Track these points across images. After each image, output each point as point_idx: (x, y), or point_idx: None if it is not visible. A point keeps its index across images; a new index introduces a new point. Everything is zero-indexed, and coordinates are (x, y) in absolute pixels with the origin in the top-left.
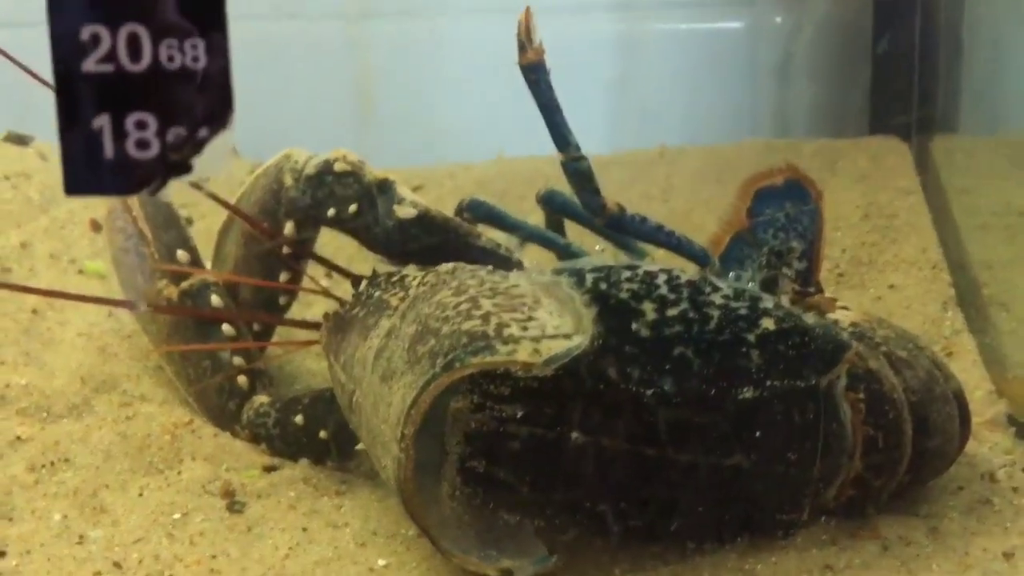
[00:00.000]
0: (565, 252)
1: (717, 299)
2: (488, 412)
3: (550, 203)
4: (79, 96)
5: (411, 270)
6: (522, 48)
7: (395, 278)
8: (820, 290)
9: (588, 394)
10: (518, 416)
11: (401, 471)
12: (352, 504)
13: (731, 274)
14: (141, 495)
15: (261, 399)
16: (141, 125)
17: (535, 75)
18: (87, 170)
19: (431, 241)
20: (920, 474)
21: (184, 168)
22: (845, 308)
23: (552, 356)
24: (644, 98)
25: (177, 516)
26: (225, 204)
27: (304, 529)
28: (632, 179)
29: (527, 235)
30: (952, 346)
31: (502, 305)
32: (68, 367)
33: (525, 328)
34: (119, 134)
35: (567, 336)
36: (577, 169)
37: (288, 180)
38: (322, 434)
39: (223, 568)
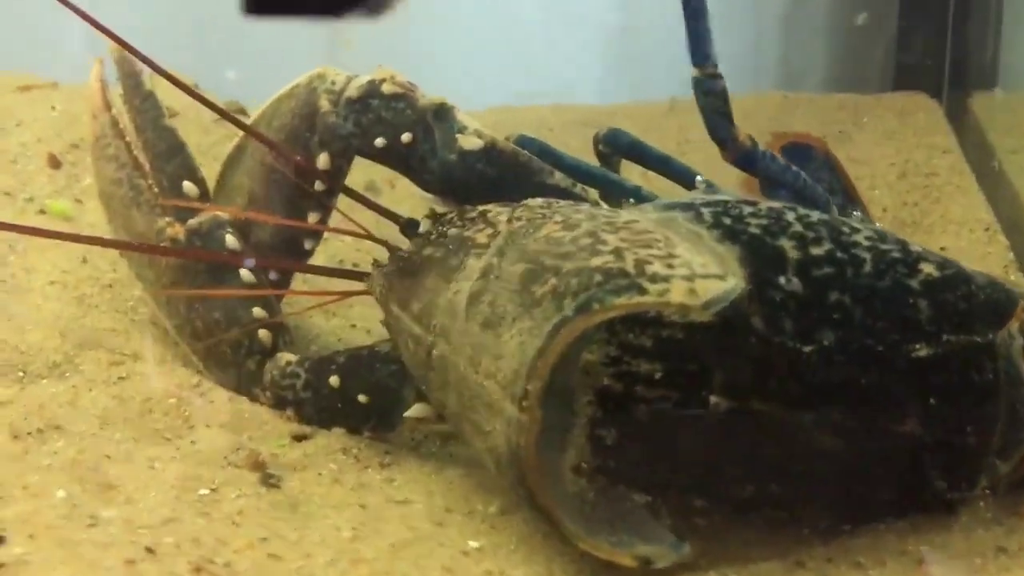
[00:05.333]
0: (636, 197)
1: (861, 239)
2: (625, 367)
3: (615, 143)
4: None
5: (492, 207)
6: None
7: (471, 214)
8: None
9: (732, 349)
10: (658, 374)
11: (522, 435)
12: (405, 478)
13: None
14: (152, 468)
15: (287, 357)
16: None
17: None
18: None
19: (497, 176)
20: None
21: None
22: None
23: (711, 298)
24: (650, 47)
25: (204, 492)
26: (248, 129)
27: (362, 506)
28: (643, 131)
29: (588, 176)
30: None
31: (631, 240)
32: (43, 320)
33: (670, 266)
34: None
35: (720, 277)
36: (713, 88)
37: (324, 104)
38: (361, 398)
39: (283, 553)
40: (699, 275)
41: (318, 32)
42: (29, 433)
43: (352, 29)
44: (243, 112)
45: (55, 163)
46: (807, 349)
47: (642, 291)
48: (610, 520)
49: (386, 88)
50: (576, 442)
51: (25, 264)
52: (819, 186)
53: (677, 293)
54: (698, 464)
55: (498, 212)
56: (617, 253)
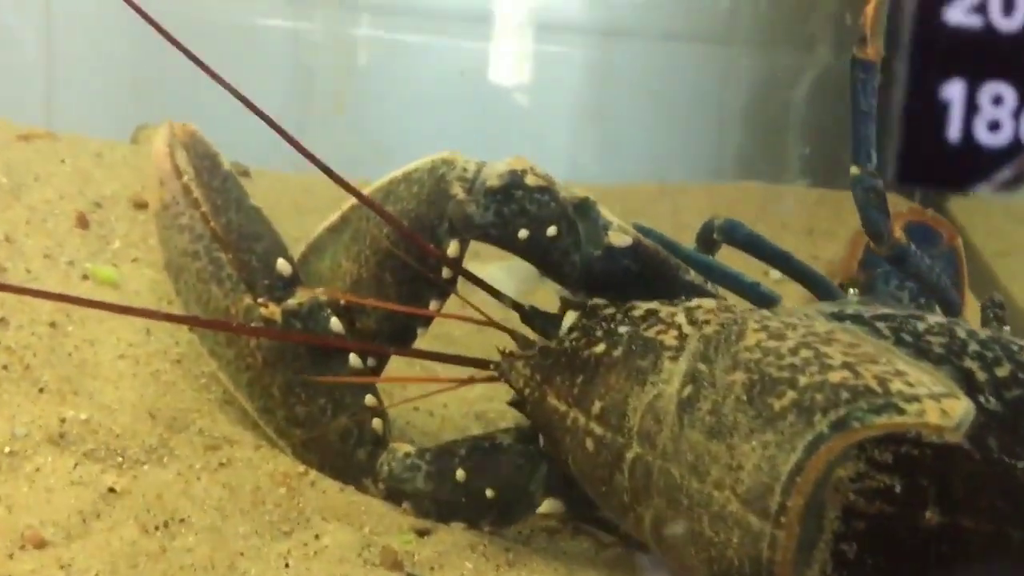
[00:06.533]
0: (754, 292)
1: None
2: (869, 482)
3: (731, 235)
4: (933, 55)
5: (656, 305)
6: (862, 41)
7: (637, 312)
8: None
9: (944, 466)
10: (897, 489)
11: (778, 551)
12: None
13: None
14: (287, 566)
15: (405, 448)
16: (997, 100)
17: (865, 74)
18: (929, 151)
19: (639, 272)
20: None
21: None
22: None
23: (961, 418)
24: (622, 129)
25: None
26: (385, 215)
27: None
28: (634, 213)
29: (706, 268)
30: None
31: (854, 355)
32: (127, 400)
33: (910, 384)
34: (970, 108)
35: (957, 396)
36: (873, 186)
37: (457, 191)
38: (488, 493)
39: None
40: (940, 394)
41: (314, 94)
42: (157, 527)
43: (346, 94)
44: (246, 174)
45: (84, 223)
46: (1019, 467)
47: (900, 411)
48: None
49: (530, 180)
50: (819, 556)
51: (86, 335)
52: (952, 290)
53: (933, 414)
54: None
55: (670, 312)
56: (851, 368)
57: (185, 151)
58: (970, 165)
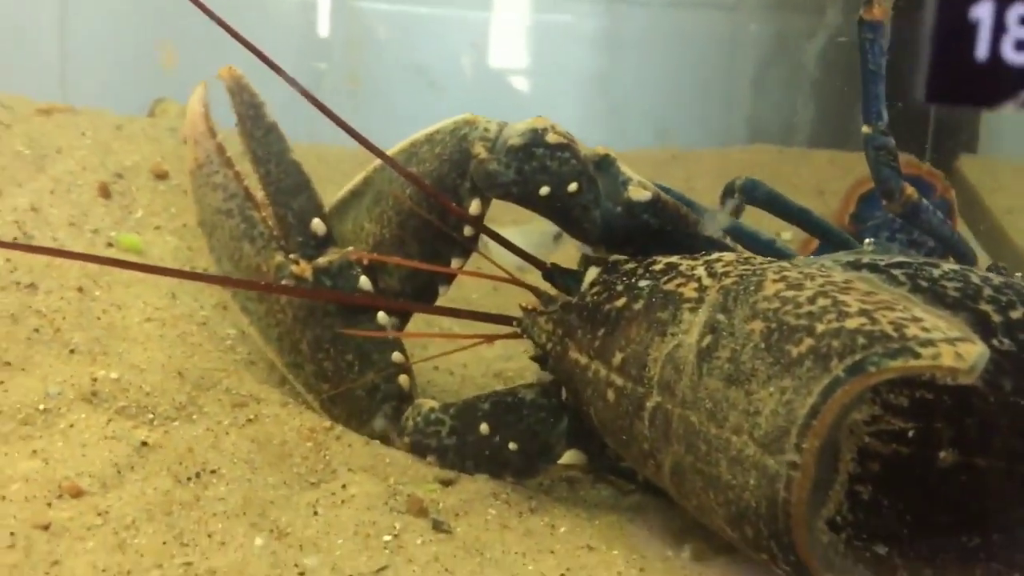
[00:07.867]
0: (771, 249)
1: None
2: (884, 425)
3: (752, 193)
4: None
5: (676, 259)
6: (869, 2)
7: (657, 266)
8: None
9: (959, 408)
10: (911, 432)
11: (794, 491)
12: (567, 524)
13: None
14: (316, 513)
15: (430, 403)
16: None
17: (873, 34)
18: (956, 72)
19: (659, 227)
20: None
21: None
22: None
23: (974, 362)
24: (627, 96)
25: (388, 539)
26: (408, 174)
27: (552, 552)
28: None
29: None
30: None
31: (871, 302)
32: (156, 360)
33: (925, 329)
34: (998, 28)
35: (972, 340)
36: (884, 145)
37: (480, 150)
38: (511, 445)
39: None
40: (955, 338)
41: (327, 67)
42: (189, 478)
43: (358, 67)
44: None
45: (106, 193)
46: None
47: (915, 355)
48: (851, 571)
49: (550, 138)
50: (835, 497)
51: (113, 299)
52: (966, 243)
53: (947, 357)
54: (930, 516)
55: (690, 265)
56: (867, 315)
57: (231, 96)
58: (997, 83)
